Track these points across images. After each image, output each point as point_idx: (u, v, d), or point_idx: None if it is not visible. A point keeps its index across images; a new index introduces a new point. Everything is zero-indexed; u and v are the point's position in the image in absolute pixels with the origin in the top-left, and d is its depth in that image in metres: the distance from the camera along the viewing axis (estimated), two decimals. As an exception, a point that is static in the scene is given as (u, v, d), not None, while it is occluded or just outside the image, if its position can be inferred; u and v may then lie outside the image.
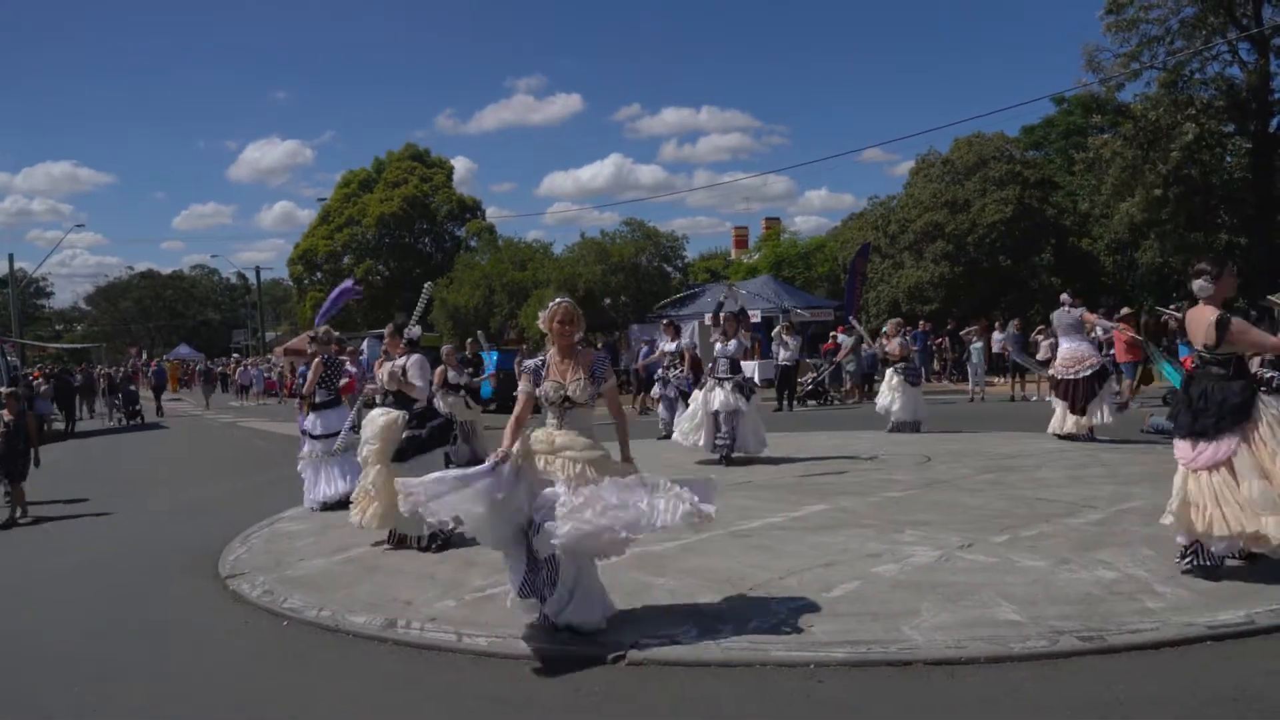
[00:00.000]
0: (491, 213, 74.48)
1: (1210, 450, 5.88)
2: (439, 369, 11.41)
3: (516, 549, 5.31)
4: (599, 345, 29.46)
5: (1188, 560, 6.03)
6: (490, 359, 20.67)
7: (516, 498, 5.27)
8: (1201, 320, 6.10)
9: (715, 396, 11.77)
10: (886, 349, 15.17)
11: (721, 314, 12.29)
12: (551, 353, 5.66)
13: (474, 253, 45.09)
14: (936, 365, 28.21)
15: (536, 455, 5.44)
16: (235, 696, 5.08)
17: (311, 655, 5.65)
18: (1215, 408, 5.91)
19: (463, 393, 12.23)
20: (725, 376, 11.83)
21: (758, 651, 5.08)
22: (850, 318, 21.79)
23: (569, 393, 5.49)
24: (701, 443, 11.80)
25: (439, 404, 9.01)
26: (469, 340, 15.64)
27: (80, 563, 8.69)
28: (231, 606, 6.81)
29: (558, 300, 5.67)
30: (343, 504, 9.69)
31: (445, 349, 12.62)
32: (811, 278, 40.73)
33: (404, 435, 7.82)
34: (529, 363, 5.69)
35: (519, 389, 5.68)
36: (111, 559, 8.74)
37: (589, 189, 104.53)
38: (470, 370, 13.08)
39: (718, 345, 11.95)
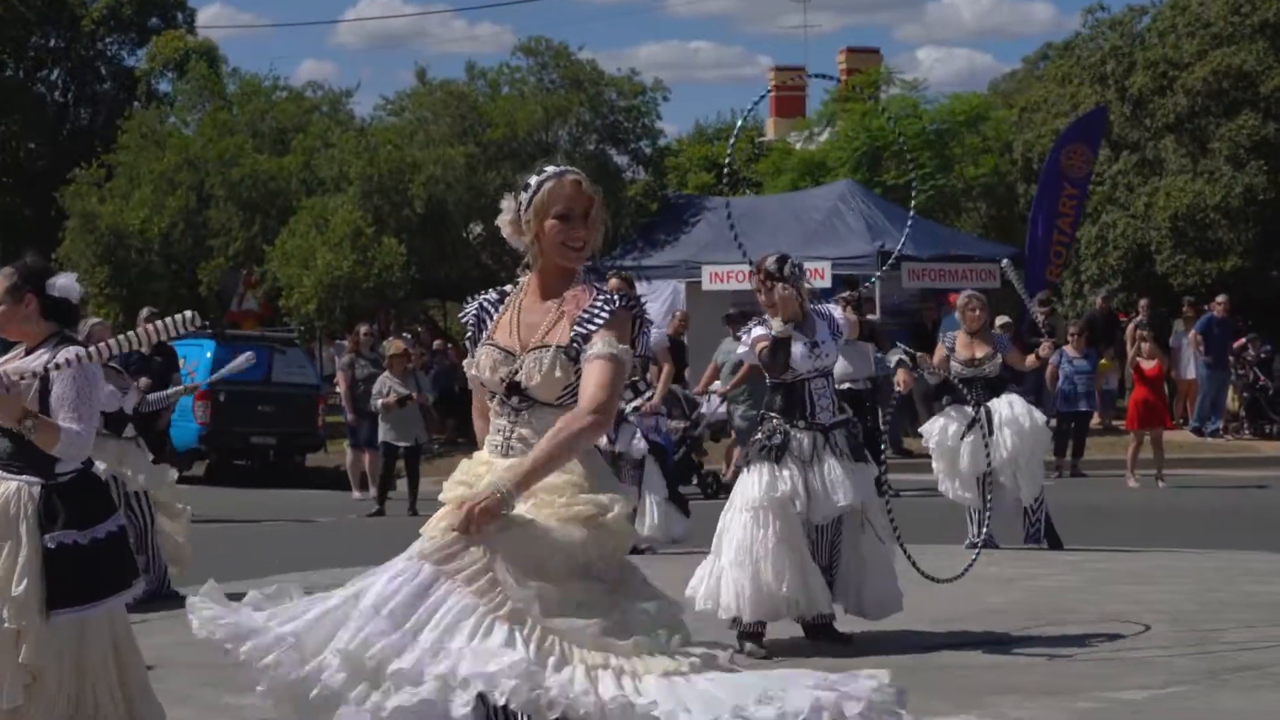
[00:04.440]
0: (211, 18, 48.06)
1: None
2: None
3: None
4: (418, 333, 18.67)
5: None
6: (200, 355, 14.21)
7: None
8: None
9: (830, 470, 6.19)
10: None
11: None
12: (531, 283, 3.05)
13: (168, 107, 25.50)
14: (1233, 398, 17.72)
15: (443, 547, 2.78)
16: None
17: None
18: None
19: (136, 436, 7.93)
20: (838, 424, 6.27)
21: None
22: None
23: (520, 372, 2.99)
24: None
25: (99, 465, 4.99)
26: (145, 312, 10.25)
27: None
28: None
29: (554, 170, 2.90)
30: None
31: (94, 323, 7.94)
32: (948, 192, 20.90)
33: (48, 543, 4.18)
34: (481, 303, 3.13)
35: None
36: None
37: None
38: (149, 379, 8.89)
39: (801, 347, 6.11)
